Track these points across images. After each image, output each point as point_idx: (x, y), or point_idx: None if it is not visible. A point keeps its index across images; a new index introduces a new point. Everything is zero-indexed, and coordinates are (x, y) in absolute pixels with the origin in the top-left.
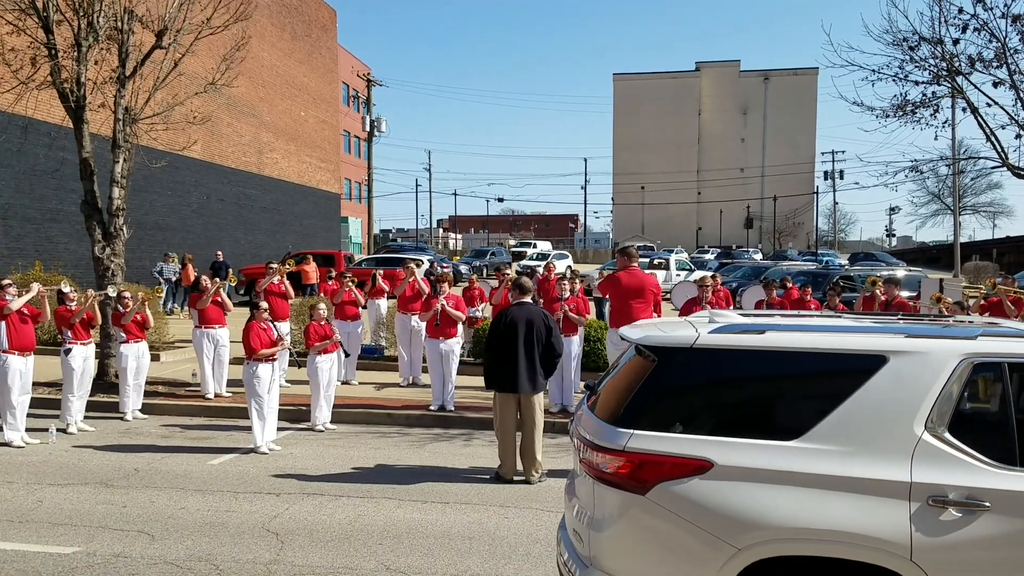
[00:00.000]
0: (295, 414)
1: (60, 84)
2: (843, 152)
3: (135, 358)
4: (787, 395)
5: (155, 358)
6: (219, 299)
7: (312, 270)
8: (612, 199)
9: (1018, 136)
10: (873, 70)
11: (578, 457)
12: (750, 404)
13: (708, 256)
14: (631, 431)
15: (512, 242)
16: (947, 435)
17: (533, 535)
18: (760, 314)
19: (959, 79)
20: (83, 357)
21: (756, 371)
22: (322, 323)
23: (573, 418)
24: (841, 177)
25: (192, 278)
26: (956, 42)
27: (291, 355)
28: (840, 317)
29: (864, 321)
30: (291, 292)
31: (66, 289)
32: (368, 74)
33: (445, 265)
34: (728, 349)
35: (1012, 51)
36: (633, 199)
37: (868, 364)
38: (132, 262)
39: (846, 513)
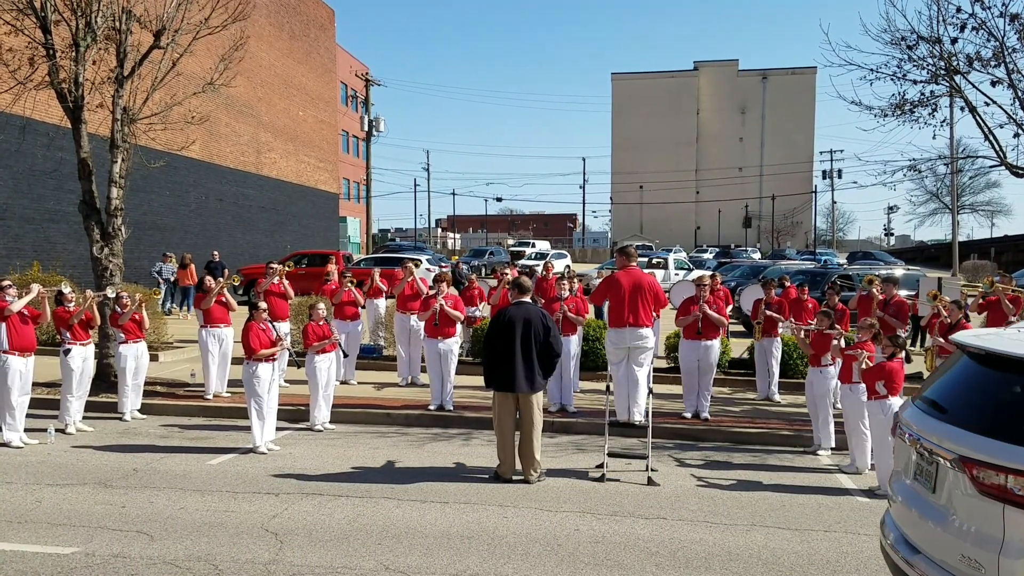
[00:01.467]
0: (294, 414)
1: (58, 84)
2: (841, 151)
3: (134, 358)
4: None
5: (154, 358)
6: (223, 299)
7: (332, 270)
8: (611, 198)
9: (1016, 135)
10: (871, 69)
11: (953, 475)
12: None
13: (707, 255)
14: None
15: (511, 242)
16: None
17: (532, 534)
18: None
19: (957, 78)
20: (82, 358)
21: None
22: (321, 323)
23: (907, 434)
24: (839, 176)
25: (193, 277)
26: (954, 41)
27: (290, 355)
28: None
29: None
30: (291, 292)
31: (65, 290)
32: (366, 74)
33: (444, 265)
34: None
35: (1010, 50)
36: (631, 198)
37: None
38: (130, 262)
39: None
